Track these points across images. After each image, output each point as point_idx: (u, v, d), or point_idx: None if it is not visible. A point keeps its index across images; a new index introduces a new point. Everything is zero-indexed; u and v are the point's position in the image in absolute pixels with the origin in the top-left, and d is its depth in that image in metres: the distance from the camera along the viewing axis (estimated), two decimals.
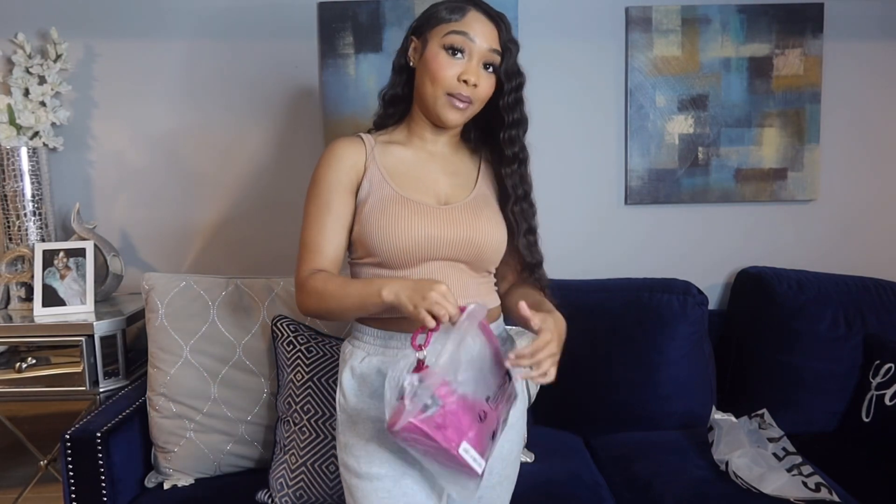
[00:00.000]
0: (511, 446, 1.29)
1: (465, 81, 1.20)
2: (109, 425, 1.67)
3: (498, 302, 1.32)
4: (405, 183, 1.24)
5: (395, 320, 1.19)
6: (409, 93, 1.29)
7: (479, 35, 1.20)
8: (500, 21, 1.23)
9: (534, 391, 1.90)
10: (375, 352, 1.22)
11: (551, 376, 1.09)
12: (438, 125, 1.26)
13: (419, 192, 1.24)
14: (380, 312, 1.17)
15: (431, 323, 1.04)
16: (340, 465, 1.24)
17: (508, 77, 1.25)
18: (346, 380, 1.23)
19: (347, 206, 1.24)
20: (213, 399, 1.79)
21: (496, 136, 1.29)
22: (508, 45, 1.23)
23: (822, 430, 2.00)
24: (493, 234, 1.25)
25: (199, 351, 1.79)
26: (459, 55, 1.20)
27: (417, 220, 1.20)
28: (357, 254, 1.26)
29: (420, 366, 1.05)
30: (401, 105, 1.31)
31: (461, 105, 1.21)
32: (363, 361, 1.22)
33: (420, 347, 1.06)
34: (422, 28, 1.25)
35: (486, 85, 1.23)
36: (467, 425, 1.04)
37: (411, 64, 1.27)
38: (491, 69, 1.23)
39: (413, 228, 1.19)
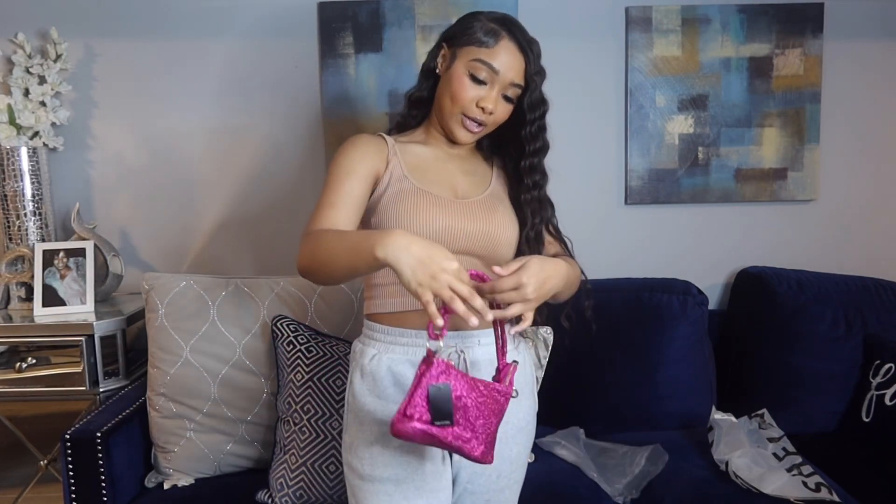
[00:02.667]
0: (520, 449, 1.29)
1: (482, 108, 1.23)
2: (109, 425, 1.67)
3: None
4: (424, 178, 1.26)
5: (408, 315, 1.20)
6: (432, 96, 1.31)
7: (505, 67, 1.22)
8: (529, 51, 1.23)
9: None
10: (385, 349, 1.21)
11: (527, 321, 1.05)
12: (450, 139, 1.30)
13: (437, 187, 1.26)
14: (376, 279, 1.20)
15: (436, 316, 0.96)
16: (344, 464, 1.24)
17: (532, 108, 1.27)
18: (356, 379, 1.22)
19: (362, 188, 1.21)
20: (213, 399, 1.78)
21: (517, 162, 1.31)
22: (534, 78, 1.25)
23: (822, 430, 2.00)
24: (507, 229, 1.27)
25: (199, 351, 1.79)
26: (482, 83, 1.23)
27: (436, 210, 1.21)
28: None
29: (429, 356, 1.00)
30: (424, 107, 1.34)
31: (474, 128, 1.25)
32: (373, 360, 1.21)
33: (437, 336, 0.98)
34: (454, 39, 1.26)
35: (501, 112, 1.27)
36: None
37: (438, 71, 1.28)
38: (509, 99, 1.26)
39: (432, 218, 1.20)
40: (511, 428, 1.26)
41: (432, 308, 0.96)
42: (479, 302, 0.97)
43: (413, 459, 1.18)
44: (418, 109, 1.34)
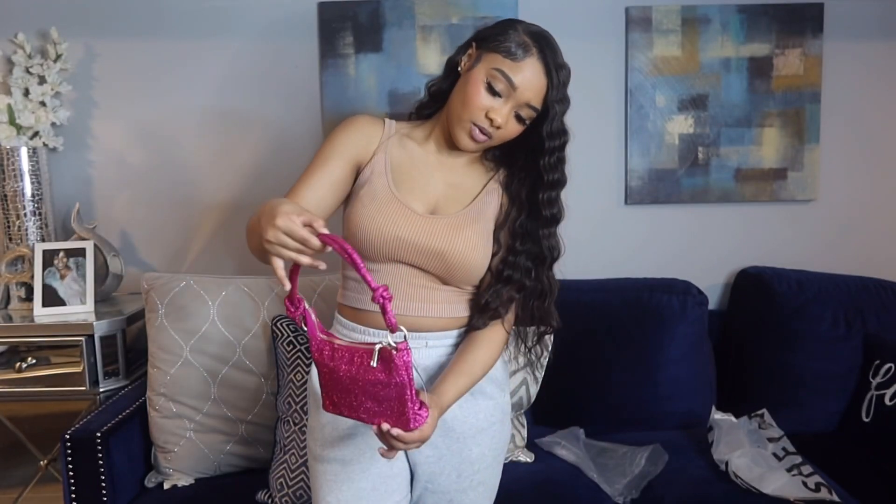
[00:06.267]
0: (482, 451, 1.26)
1: (490, 119, 1.18)
2: (109, 425, 1.67)
3: (463, 314, 1.25)
4: (402, 181, 1.23)
5: (363, 314, 1.23)
6: (450, 91, 1.26)
7: (524, 85, 1.17)
8: (555, 75, 1.18)
9: (533, 391, 1.90)
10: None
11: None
12: (451, 143, 1.25)
13: (411, 194, 1.22)
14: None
15: (278, 265, 0.98)
16: (307, 449, 1.29)
17: (552, 137, 1.21)
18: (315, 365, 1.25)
19: (343, 171, 1.22)
20: (213, 399, 1.79)
21: (535, 195, 1.24)
22: (554, 105, 1.19)
23: (822, 430, 2.00)
24: (468, 254, 1.20)
25: (199, 351, 1.79)
26: (497, 95, 1.18)
27: (394, 219, 1.19)
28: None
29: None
30: (441, 101, 1.29)
31: (479, 137, 1.20)
32: None
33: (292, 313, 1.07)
34: (484, 42, 1.21)
35: (511, 129, 1.21)
36: None
37: (459, 69, 1.24)
38: (521, 119, 1.21)
39: (386, 226, 1.18)
40: (469, 428, 1.24)
41: (280, 272, 0.99)
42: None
43: (361, 442, 1.21)
44: (436, 101, 1.30)
